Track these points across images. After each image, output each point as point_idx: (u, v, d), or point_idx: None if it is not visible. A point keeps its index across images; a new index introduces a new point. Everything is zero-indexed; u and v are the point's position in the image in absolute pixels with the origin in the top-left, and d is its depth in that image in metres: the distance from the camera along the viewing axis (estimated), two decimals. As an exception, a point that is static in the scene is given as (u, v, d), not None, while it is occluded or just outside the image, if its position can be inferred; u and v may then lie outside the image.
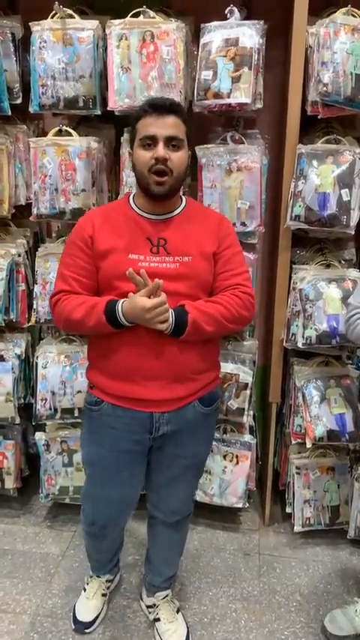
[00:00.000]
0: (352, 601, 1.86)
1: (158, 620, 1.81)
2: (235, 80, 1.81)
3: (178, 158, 1.44)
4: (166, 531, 1.78)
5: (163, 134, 1.42)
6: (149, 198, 1.49)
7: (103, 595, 1.90)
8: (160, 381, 1.47)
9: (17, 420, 2.20)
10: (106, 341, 1.49)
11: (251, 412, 2.21)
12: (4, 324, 2.13)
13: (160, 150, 1.41)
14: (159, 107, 1.43)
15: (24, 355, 2.22)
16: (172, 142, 1.43)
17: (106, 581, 1.92)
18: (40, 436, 2.23)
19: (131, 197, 1.57)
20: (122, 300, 1.42)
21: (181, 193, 1.58)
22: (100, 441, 1.57)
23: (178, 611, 1.85)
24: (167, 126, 1.42)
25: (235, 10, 1.85)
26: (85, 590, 1.90)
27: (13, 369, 2.15)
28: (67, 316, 1.48)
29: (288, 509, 2.25)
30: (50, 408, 2.14)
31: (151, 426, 1.51)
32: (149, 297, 1.38)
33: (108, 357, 1.50)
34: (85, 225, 1.51)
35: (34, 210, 1.99)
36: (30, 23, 1.91)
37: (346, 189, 1.85)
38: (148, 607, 1.87)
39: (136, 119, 1.47)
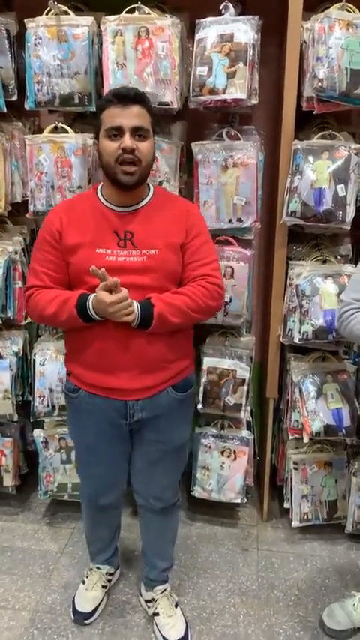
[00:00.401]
0: (350, 595, 1.87)
1: (157, 614, 1.82)
2: (231, 76, 1.80)
3: (145, 147, 1.46)
4: (152, 519, 1.80)
5: (129, 124, 1.42)
6: (117, 188, 1.49)
7: (103, 587, 1.91)
8: (129, 372, 1.52)
9: (15, 418, 2.20)
10: (78, 334, 1.54)
11: (249, 408, 2.21)
12: (1, 322, 2.13)
13: (127, 140, 1.42)
14: (123, 97, 1.44)
15: (21, 353, 2.22)
16: (138, 132, 1.44)
17: (106, 573, 1.93)
18: (38, 433, 2.23)
19: (99, 188, 1.58)
20: (93, 294, 1.45)
21: (148, 182, 1.59)
22: (80, 424, 1.65)
23: (176, 606, 1.86)
24: (133, 116, 1.43)
25: (230, 5, 1.84)
26: (84, 582, 1.92)
27: (10, 366, 2.15)
28: (40, 311, 1.53)
29: (286, 505, 2.26)
30: (48, 405, 2.14)
31: (126, 412, 1.57)
32: (110, 292, 1.41)
33: (82, 349, 1.55)
34: (54, 220, 1.53)
35: (31, 207, 1.99)
36: (25, 20, 1.90)
37: (342, 185, 1.85)
38: (147, 601, 1.88)
39: (101, 109, 1.48)
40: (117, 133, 1.43)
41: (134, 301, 1.45)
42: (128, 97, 1.44)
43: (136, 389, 1.54)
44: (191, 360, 1.70)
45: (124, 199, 1.52)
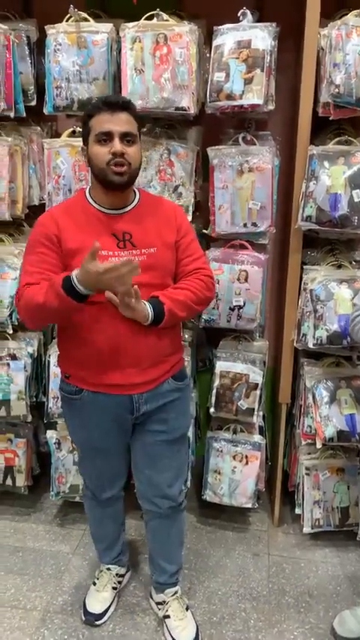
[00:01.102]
0: (362, 602, 1.86)
1: (168, 617, 1.82)
2: (248, 82, 1.82)
3: (133, 152, 1.51)
4: (159, 524, 1.81)
5: (119, 130, 1.48)
6: (109, 189, 1.53)
7: (114, 588, 1.92)
8: (134, 367, 1.57)
9: (29, 419, 2.22)
10: (78, 332, 1.55)
11: (261, 412, 2.21)
12: (17, 324, 2.15)
13: (117, 145, 1.48)
14: (112, 105, 1.50)
15: (36, 354, 2.25)
16: (126, 138, 1.50)
17: (117, 574, 1.94)
18: (51, 434, 2.25)
19: (87, 192, 1.61)
20: (75, 271, 1.41)
21: (135, 187, 1.63)
22: (85, 425, 1.67)
23: (187, 609, 1.85)
24: (121, 122, 1.49)
25: (248, 12, 1.87)
26: (95, 583, 1.93)
27: (25, 367, 2.17)
28: (30, 305, 1.47)
29: (297, 510, 2.24)
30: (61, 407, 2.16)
31: (132, 406, 1.61)
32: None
33: (82, 348, 1.56)
34: (49, 224, 1.55)
35: (48, 211, 2.01)
36: (45, 26, 1.94)
37: (358, 190, 1.85)
38: (158, 604, 1.88)
39: (89, 116, 1.52)
40: (107, 138, 1.49)
41: (144, 301, 1.50)
42: (117, 104, 1.50)
43: (141, 382, 1.59)
44: (182, 353, 1.77)
45: (114, 201, 1.56)
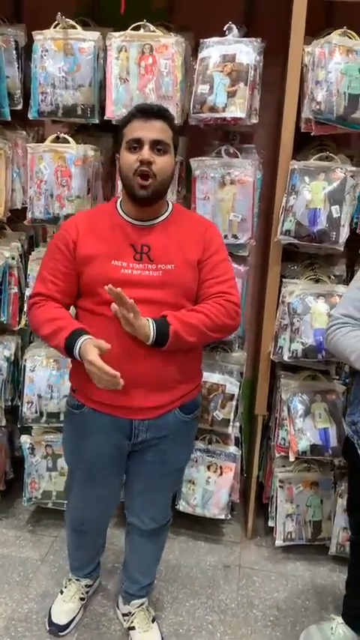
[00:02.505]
0: (329, 618, 1.85)
1: (133, 628, 1.80)
2: (231, 95, 1.84)
3: (163, 162, 1.45)
4: (143, 540, 1.78)
5: (149, 137, 1.43)
6: (134, 202, 1.50)
7: (81, 599, 1.89)
8: (139, 389, 1.48)
9: (3, 422, 2.21)
10: None
11: (237, 424, 2.21)
12: (-6, 326, 2.15)
13: (145, 152, 1.43)
14: (146, 112, 1.46)
15: (13, 357, 2.23)
16: (157, 146, 1.44)
17: (85, 585, 1.92)
18: (25, 439, 2.23)
19: (118, 202, 1.58)
20: (84, 338, 1.41)
21: (167, 199, 1.59)
22: (80, 443, 1.59)
23: (153, 621, 1.84)
24: (154, 130, 1.44)
25: (234, 27, 1.89)
26: (62, 592, 1.90)
27: (1, 371, 2.16)
28: (36, 327, 1.54)
29: (270, 523, 2.24)
30: (36, 412, 2.15)
31: (131, 432, 1.54)
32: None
33: None
34: (70, 229, 1.52)
35: (29, 215, 2.02)
36: (33, 32, 1.95)
37: (337, 206, 1.87)
38: (124, 615, 1.86)
39: (124, 123, 1.49)
40: (137, 145, 1.44)
41: (149, 319, 1.42)
42: (151, 111, 1.46)
43: (145, 407, 1.50)
44: (199, 382, 1.67)
45: (142, 214, 1.51)
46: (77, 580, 1.91)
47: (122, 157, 1.48)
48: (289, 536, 2.21)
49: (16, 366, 2.26)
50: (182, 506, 2.26)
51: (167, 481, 1.69)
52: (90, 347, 1.38)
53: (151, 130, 1.44)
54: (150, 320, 1.42)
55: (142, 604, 1.84)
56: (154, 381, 1.49)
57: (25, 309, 2.14)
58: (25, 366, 2.16)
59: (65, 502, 2.18)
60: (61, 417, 2.15)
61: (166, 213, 1.56)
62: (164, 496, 1.74)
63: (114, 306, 1.38)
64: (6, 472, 2.37)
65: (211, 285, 1.52)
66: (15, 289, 2.19)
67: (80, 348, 1.41)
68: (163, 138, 1.45)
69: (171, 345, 1.44)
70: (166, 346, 1.44)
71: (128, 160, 1.45)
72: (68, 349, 1.44)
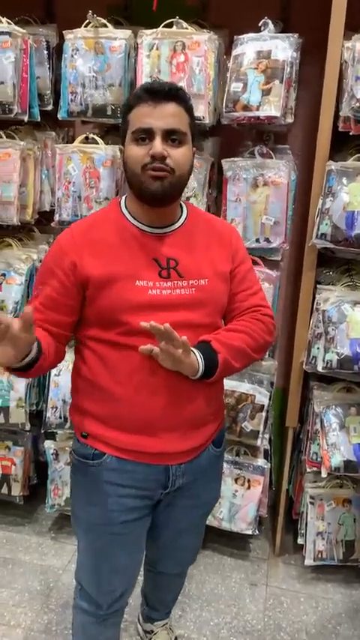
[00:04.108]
0: (362, 646, 1.75)
1: (154, 647, 1.72)
2: (266, 93, 1.76)
3: (179, 155, 1.18)
4: (168, 581, 1.67)
5: (161, 126, 1.15)
6: (145, 202, 1.23)
7: None
8: (175, 432, 1.26)
9: (27, 427, 2.18)
10: (104, 381, 1.24)
11: (267, 435, 2.12)
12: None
13: (158, 145, 1.15)
14: (156, 92, 1.17)
15: (39, 361, 2.20)
16: (171, 136, 1.17)
17: None
18: (49, 445, 2.20)
19: (122, 203, 1.30)
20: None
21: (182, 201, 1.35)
22: (101, 501, 1.29)
23: (175, 640, 1.76)
24: (166, 116, 1.16)
25: (269, 22, 1.81)
26: None
27: (26, 374, 2.13)
28: None
29: (300, 540, 2.14)
30: (60, 417, 2.11)
31: (167, 480, 1.30)
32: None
33: (113, 404, 1.24)
34: (67, 248, 1.23)
35: (56, 217, 1.98)
36: (63, 31, 1.92)
37: (376, 209, 1.77)
38: (146, 632, 1.79)
39: (129, 108, 1.21)
40: (146, 136, 1.17)
41: (194, 350, 1.20)
42: (162, 91, 1.17)
43: (183, 451, 1.28)
44: (224, 411, 1.48)
45: (156, 218, 1.25)
46: None
47: (128, 150, 1.20)
48: (319, 556, 2.10)
49: (41, 370, 2.23)
50: (208, 520, 2.17)
51: (199, 523, 1.53)
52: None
53: (163, 117, 1.16)
54: (195, 350, 1.20)
55: (165, 624, 1.77)
56: (191, 420, 1.28)
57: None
58: (50, 371, 2.13)
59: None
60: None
61: (183, 217, 1.31)
62: (197, 539, 1.57)
63: (146, 348, 1.16)
64: (30, 477, 2.34)
65: (245, 298, 1.34)
66: (42, 292, 2.16)
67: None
68: (178, 126, 1.17)
69: (219, 375, 1.24)
70: (214, 377, 1.23)
71: (136, 154, 1.18)
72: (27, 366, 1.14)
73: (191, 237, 1.29)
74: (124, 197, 1.32)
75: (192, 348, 1.20)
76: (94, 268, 1.20)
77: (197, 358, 1.20)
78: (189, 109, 1.22)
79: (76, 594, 1.45)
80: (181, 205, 1.33)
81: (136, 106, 1.19)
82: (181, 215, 1.31)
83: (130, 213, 1.27)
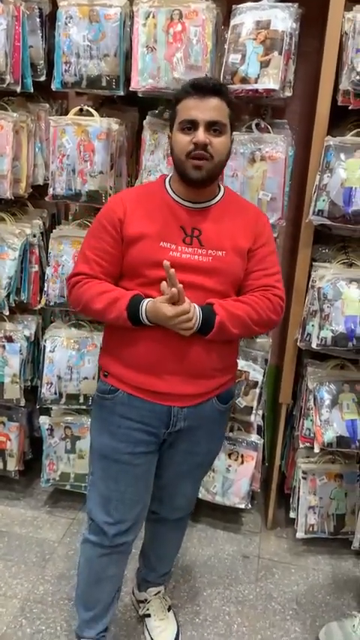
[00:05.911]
0: (350, 615, 1.79)
1: (148, 616, 1.77)
2: (264, 65, 1.73)
3: (219, 143, 1.36)
4: (166, 528, 1.73)
5: (205, 118, 1.34)
6: (186, 184, 1.41)
7: None
8: (179, 376, 1.42)
9: (22, 402, 2.18)
10: (127, 332, 1.42)
11: (260, 412, 2.14)
12: (14, 305, 2.11)
13: (201, 135, 1.33)
14: (202, 88, 1.35)
15: (33, 337, 2.20)
16: (213, 127, 1.35)
17: None
18: (44, 420, 2.21)
19: (167, 181, 1.49)
20: (147, 300, 1.37)
21: (219, 182, 1.50)
22: (113, 431, 1.47)
23: (169, 609, 1.80)
24: (209, 109, 1.34)
25: (269, -9, 1.77)
26: None
27: (21, 350, 2.13)
28: (85, 303, 1.43)
29: (292, 514, 2.18)
30: (55, 393, 2.11)
31: (169, 420, 1.45)
32: (173, 304, 1.33)
33: (128, 347, 1.44)
34: (116, 207, 1.43)
35: (50, 191, 1.96)
36: (57, -2, 1.87)
37: (374, 186, 1.76)
38: (139, 602, 1.83)
39: (177, 100, 1.39)
40: (191, 126, 1.35)
41: (195, 306, 1.36)
42: (207, 87, 1.35)
43: (184, 394, 1.44)
44: (235, 372, 1.61)
45: (194, 195, 1.43)
46: None
47: (175, 137, 1.39)
48: (310, 529, 2.14)
49: (36, 346, 2.23)
50: (202, 494, 2.21)
51: (198, 471, 1.63)
52: (159, 304, 1.33)
53: (206, 110, 1.34)
54: (196, 307, 1.36)
55: (158, 592, 1.81)
56: (193, 369, 1.42)
57: (45, 289, 2.09)
58: (45, 347, 2.13)
59: (83, 485, 2.18)
60: (81, 400, 2.12)
61: (218, 197, 1.47)
62: (194, 486, 1.67)
63: (164, 286, 1.33)
64: (25, 452, 2.36)
65: (258, 277, 1.46)
66: (36, 268, 2.14)
67: (147, 310, 1.35)
68: (220, 118, 1.35)
69: (214, 335, 1.38)
70: (209, 336, 1.38)
71: (181, 140, 1.36)
72: (132, 316, 1.37)
73: (220, 215, 1.45)
74: (169, 175, 1.51)
75: (195, 305, 1.36)
76: (131, 228, 1.40)
77: (196, 313, 1.36)
78: (229, 103, 1.40)
79: (86, 530, 1.59)
80: (219, 186, 1.49)
81: (183, 99, 1.37)
82: (217, 195, 1.47)
83: (171, 188, 1.46)
